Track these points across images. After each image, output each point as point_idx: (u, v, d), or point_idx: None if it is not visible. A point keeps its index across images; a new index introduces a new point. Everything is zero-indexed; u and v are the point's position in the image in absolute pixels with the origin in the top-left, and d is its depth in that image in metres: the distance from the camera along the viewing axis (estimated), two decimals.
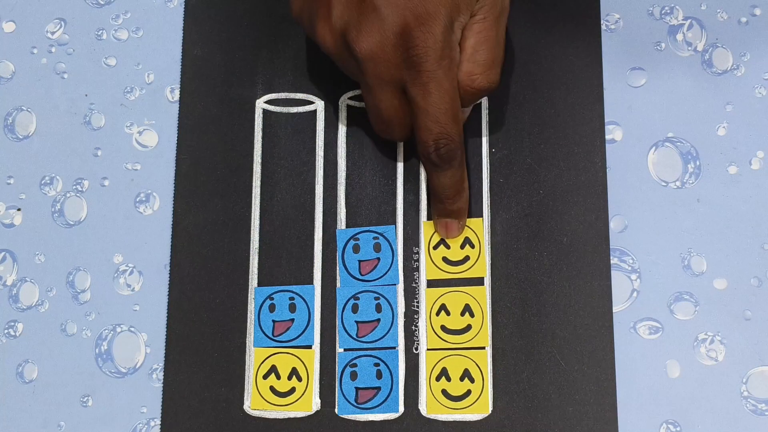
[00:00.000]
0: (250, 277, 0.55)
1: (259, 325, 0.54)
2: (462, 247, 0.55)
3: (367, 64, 0.49)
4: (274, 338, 0.54)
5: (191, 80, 0.58)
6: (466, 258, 0.54)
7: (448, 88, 0.49)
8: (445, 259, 0.55)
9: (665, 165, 0.56)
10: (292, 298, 0.55)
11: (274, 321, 0.54)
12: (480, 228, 0.55)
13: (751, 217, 0.55)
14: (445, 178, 0.52)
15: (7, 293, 0.56)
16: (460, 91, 0.51)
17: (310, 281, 0.55)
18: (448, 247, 0.55)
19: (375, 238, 0.55)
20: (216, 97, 0.57)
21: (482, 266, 0.54)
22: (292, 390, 0.54)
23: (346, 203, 0.56)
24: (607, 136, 0.56)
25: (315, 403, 0.54)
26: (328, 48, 0.51)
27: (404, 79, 0.50)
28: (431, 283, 0.55)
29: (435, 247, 0.55)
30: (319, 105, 0.57)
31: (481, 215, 0.55)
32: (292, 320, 0.54)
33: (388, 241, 0.55)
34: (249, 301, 0.55)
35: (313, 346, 0.54)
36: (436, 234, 0.55)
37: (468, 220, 0.55)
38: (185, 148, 0.57)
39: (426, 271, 0.55)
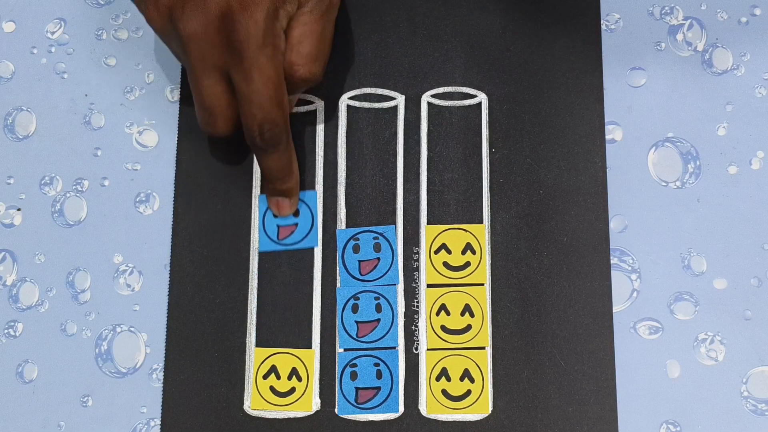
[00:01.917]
0: (250, 277, 0.55)
1: (263, 228, 0.55)
2: (463, 252, 0.55)
3: (190, 45, 0.50)
4: (279, 241, 0.55)
5: None
6: (467, 264, 0.54)
7: (271, 75, 0.50)
8: (445, 264, 0.55)
9: (665, 165, 0.56)
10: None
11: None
12: (482, 234, 0.55)
13: (751, 217, 0.55)
14: (272, 161, 0.53)
15: (7, 293, 0.56)
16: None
17: (311, 281, 0.55)
18: (449, 252, 0.55)
19: (375, 238, 0.55)
20: None
21: (483, 272, 0.54)
22: (292, 390, 0.54)
23: (346, 203, 0.56)
24: (607, 136, 0.56)
25: (315, 403, 0.54)
26: (155, 27, 0.51)
27: (228, 64, 0.50)
28: (431, 284, 0.55)
29: (436, 252, 0.55)
30: (319, 105, 0.57)
31: (481, 221, 0.55)
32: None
33: (388, 241, 0.55)
34: (249, 300, 0.55)
35: (313, 346, 0.54)
36: (437, 238, 0.55)
37: (469, 225, 0.55)
38: (185, 148, 0.57)
39: (426, 276, 0.55)
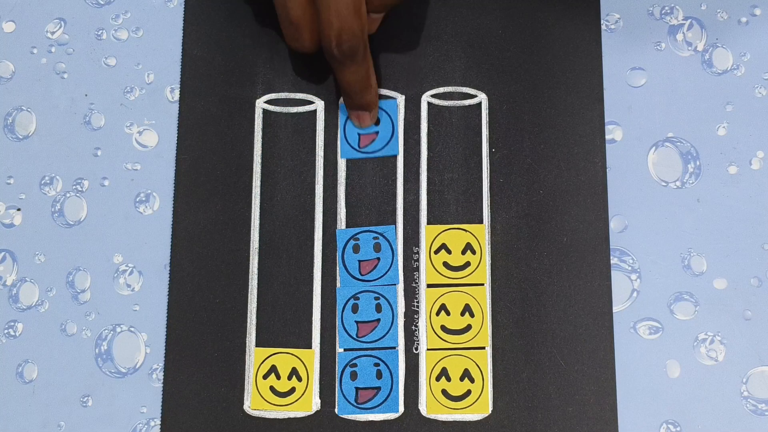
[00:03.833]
0: (250, 277, 0.55)
1: (345, 136, 0.55)
2: (463, 252, 0.55)
3: None
4: (360, 149, 0.55)
5: (191, 80, 0.58)
6: (467, 264, 0.54)
7: None
8: (445, 264, 0.55)
9: (665, 165, 0.56)
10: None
11: None
12: (482, 234, 0.55)
13: (751, 217, 0.55)
14: (350, 74, 0.53)
15: (7, 293, 0.56)
16: None
17: (311, 281, 0.55)
18: (449, 252, 0.55)
19: (375, 238, 0.55)
20: (216, 97, 0.57)
21: (483, 272, 0.54)
22: (292, 390, 0.54)
23: (346, 203, 0.56)
24: (607, 136, 0.56)
25: (315, 403, 0.54)
26: None
27: None
28: (431, 284, 0.55)
29: (436, 252, 0.55)
30: (319, 105, 0.57)
31: (481, 221, 0.55)
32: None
33: (388, 241, 0.55)
34: (249, 300, 0.55)
35: (313, 346, 0.54)
36: (437, 238, 0.55)
37: (469, 225, 0.55)
38: (185, 148, 0.57)
39: (426, 276, 0.55)
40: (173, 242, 0.56)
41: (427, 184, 0.56)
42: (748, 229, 0.55)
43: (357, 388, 0.53)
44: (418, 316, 0.54)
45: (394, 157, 0.56)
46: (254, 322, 0.55)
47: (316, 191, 0.56)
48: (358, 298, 0.54)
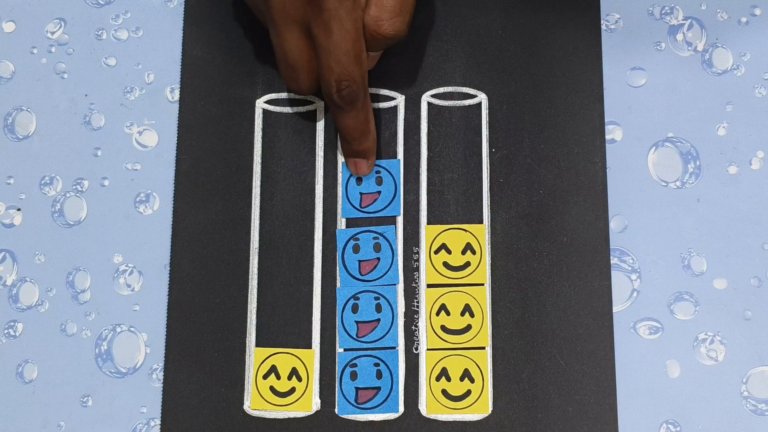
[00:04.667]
0: (250, 277, 0.55)
1: (346, 195, 0.55)
2: (463, 252, 0.55)
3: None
4: (362, 209, 0.54)
5: (191, 80, 0.58)
6: (467, 264, 0.54)
7: (350, 28, 0.50)
8: (445, 264, 0.55)
9: (665, 165, 0.56)
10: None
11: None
12: (482, 234, 0.55)
13: (751, 217, 0.55)
14: (350, 119, 0.53)
15: (7, 293, 0.56)
16: (367, 36, 0.51)
17: (311, 281, 0.55)
18: (449, 252, 0.55)
19: (375, 238, 0.55)
20: (216, 97, 0.57)
21: (483, 272, 0.54)
22: (292, 390, 0.54)
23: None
24: (607, 136, 0.56)
25: (315, 403, 0.54)
26: None
27: (308, 17, 0.50)
28: (431, 284, 0.55)
29: (436, 252, 0.55)
30: (319, 105, 0.57)
31: (481, 221, 0.55)
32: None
33: (388, 241, 0.55)
34: (249, 300, 0.55)
35: (313, 346, 0.54)
36: (437, 238, 0.55)
37: (469, 225, 0.55)
38: (185, 148, 0.57)
39: (426, 276, 0.55)
40: (173, 242, 0.56)
41: (427, 184, 0.56)
42: (748, 229, 0.55)
43: (357, 388, 0.53)
44: (418, 316, 0.54)
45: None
46: (254, 322, 0.55)
47: (316, 191, 0.56)
48: (358, 298, 0.55)
